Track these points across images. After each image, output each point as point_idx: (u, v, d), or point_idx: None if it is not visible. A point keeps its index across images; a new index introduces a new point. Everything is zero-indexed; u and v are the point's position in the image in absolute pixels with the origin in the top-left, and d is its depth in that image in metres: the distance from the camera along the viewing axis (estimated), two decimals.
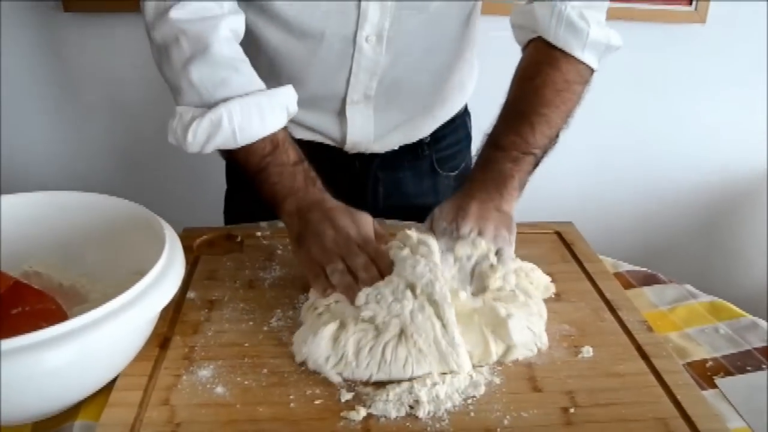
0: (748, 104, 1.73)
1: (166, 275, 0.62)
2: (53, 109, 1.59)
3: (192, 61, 0.77)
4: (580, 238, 0.94)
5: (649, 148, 1.78)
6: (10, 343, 0.50)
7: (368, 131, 0.95)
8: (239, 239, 0.92)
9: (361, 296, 0.67)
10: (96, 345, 0.54)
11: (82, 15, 1.51)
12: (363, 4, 0.83)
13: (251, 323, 0.73)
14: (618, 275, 0.88)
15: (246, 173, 0.80)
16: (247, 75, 0.80)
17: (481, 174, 0.80)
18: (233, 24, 0.80)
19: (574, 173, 1.74)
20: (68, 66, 1.56)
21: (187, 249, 0.87)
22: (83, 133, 1.62)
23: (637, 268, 0.91)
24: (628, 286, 0.86)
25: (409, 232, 0.75)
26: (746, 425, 0.62)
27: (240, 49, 0.81)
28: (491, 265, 0.72)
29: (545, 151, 0.82)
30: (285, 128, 0.80)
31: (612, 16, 1.55)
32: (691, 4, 1.57)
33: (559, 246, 0.93)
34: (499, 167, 0.79)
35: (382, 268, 0.70)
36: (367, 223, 0.75)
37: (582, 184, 1.77)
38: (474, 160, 0.84)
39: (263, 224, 0.96)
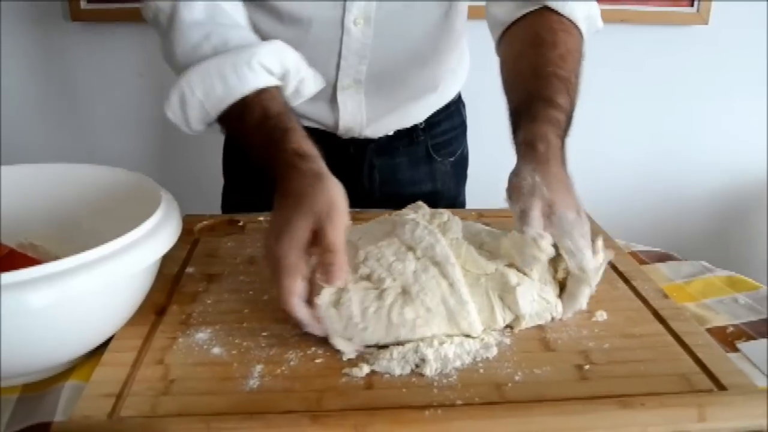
0: (753, 103, 1.72)
1: (158, 231, 0.60)
2: (58, 116, 1.61)
3: (167, 35, 0.77)
4: (591, 221, 0.92)
5: (655, 148, 1.77)
6: None
7: (360, 116, 0.94)
8: (241, 224, 0.90)
9: (361, 253, 0.65)
10: (78, 290, 0.52)
11: (89, 24, 1.53)
12: None
13: (251, 293, 0.71)
14: (631, 254, 0.85)
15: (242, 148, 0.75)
16: (219, 37, 0.74)
17: (550, 136, 0.68)
18: None
19: (579, 176, 1.73)
20: (74, 74, 1.58)
21: (188, 232, 0.86)
22: (88, 140, 1.63)
23: (650, 248, 0.89)
24: (641, 263, 0.83)
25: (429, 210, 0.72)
26: None
27: (221, 13, 0.77)
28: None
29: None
30: (270, 89, 0.72)
31: (614, 18, 1.58)
32: (692, 5, 1.57)
33: None
34: (557, 132, 0.69)
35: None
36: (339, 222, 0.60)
37: (588, 186, 1.75)
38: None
39: (265, 215, 0.93)
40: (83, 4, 1.49)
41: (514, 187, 0.65)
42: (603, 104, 1.71)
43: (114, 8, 1.49)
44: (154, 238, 0.59)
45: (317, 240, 0.59)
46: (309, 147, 0.66)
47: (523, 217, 0.63)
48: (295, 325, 0.61)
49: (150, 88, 1.56)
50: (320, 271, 0.59)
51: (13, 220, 0.73)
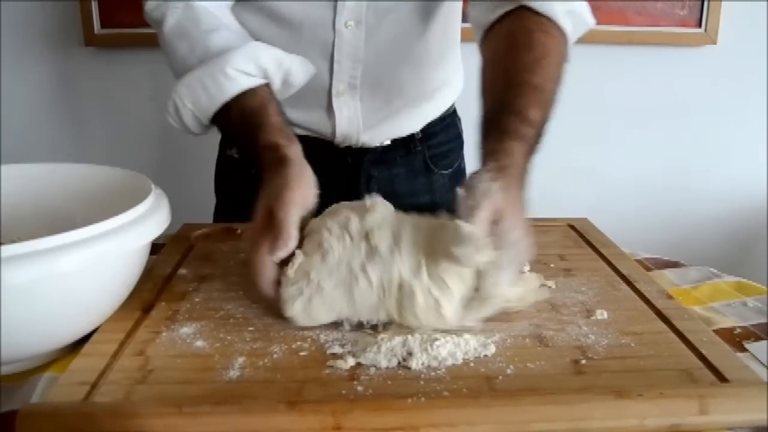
0: (762, 121, 1.71)
1: (146, 218, 0.59)
2: (67, 138, 1.63)
3: (164, 47, 0.82)
4: (594, 229, 0.89)
5: (665, 166, 1.76)
6: None
7: (356, 122, 0.93)
8: (239, 231, 0.89)
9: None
10: (62, 269, 0.51)
11: (102, 49, 1.56)
12: None
13: (241, 292, 0.69)
14: (636, 262, 0.82)
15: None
16: (202, 46, 0.78)
17: (516, 153, 0.66)
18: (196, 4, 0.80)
19: (587, 194, 1.72)
20: (86, 97, 1.60)
21: (185, 239, 0.86)
22: (95, 162, 1.64)
23: (655, 255, 0.86)
24: (647, 270, 0.80)
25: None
26: None
27: (203, 17, 0.80)
28: None
29: None
30: (251, 89, 0.75)
31: (621, 40, 1.58)
32: (701, 26, 1.57)
33: (572, 235, 0.88)
34: (524, 149, 0.67)
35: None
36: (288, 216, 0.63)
37: (595, 201, 1.73)
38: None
39: None
40: (96, 29, 1.52)
41: (470, 186, 0.61)
42: (612, 124, 1.70)
43: (126, 33, 1.52)
44: (140, 224, 0.58)
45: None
46: (279, 138, 0.71)
47: (470, 213, 0.59)
48: (268, 306, 0.64)
49: (160, 111, 1.58)
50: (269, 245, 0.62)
51: (7, 219, 0.72)
